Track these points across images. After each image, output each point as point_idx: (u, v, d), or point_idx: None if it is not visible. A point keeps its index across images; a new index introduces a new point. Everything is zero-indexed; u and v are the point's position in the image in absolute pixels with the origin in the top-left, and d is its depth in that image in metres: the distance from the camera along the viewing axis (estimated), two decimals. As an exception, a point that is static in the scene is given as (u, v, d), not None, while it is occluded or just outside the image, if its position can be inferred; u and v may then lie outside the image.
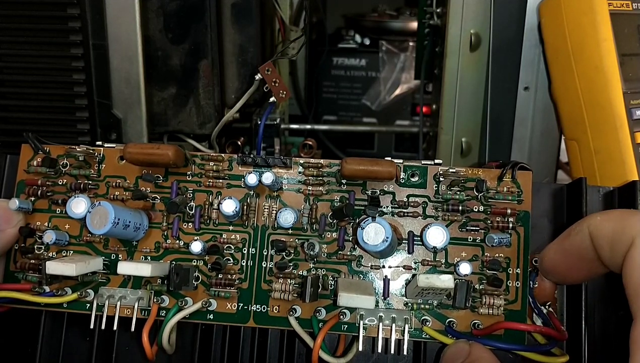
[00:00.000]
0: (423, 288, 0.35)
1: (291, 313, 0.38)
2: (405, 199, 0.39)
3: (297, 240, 0.39)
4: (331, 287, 0.39)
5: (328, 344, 0.40)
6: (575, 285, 0.38)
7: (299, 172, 0.40)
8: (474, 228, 0.39)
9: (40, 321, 0.42)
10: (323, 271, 0.39)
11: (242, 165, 0.41)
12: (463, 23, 0.56)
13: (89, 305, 0.39)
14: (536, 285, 0.39)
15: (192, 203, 0.40)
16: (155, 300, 0.39)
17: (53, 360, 0.43)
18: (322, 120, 0.96)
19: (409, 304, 0.38)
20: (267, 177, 0.38)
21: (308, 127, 0.82)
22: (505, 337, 0.38)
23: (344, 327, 0.38)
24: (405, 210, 0.39)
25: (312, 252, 0.38)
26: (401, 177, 0.40)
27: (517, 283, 0.38)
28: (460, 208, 0.39)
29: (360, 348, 0.38)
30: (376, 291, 0.39)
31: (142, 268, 0.37)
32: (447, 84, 0.58)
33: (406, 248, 0.39)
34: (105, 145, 0.41)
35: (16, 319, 0.42)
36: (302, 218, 0.40)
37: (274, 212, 0.40)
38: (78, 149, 0.41)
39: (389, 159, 0.38)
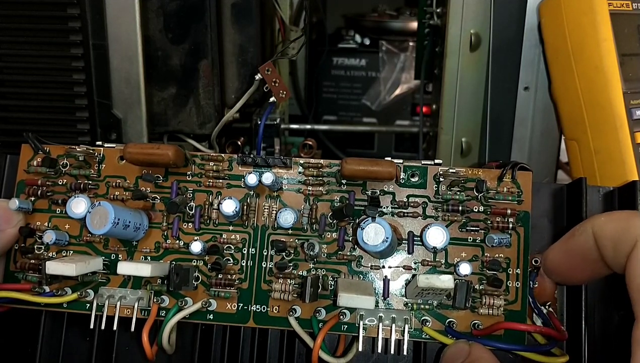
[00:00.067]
0: (423, 289, 0.35)
1: (291, 313, 0.38)
2: (405, 199, 0.39)
3: (297, 240, 0.39)
4: (331, 287, 0.39)
5: (328, 344, 0.40)
6: (575, 286, 0.38)
7: (299, 172, 0.40)
8: (474, 228, 0.39)
9: (40, 321, 0.42)
10: (323, 271, 0.39)
11: (242, 165, 0.41)
12: (463, 23, 0.56)
13: (89, 305, 0.39)
14: (536, 286, 0.39)
15: (192, 203, 0.40)
16: (155, 300, 0.39)
17: (53, 360, 0.43)
18: (322, 120, 0.96)
19: (409, 304, 0.38)
20: (267, 177, 0.38)
21: (308, 127, 0.82)
22: (505, 337, 0.38)
23: (343, 327, 0.38)
24: (405, 211, 0.39)
25: (312, 252, 0.38)
26: (401, 177, 0.40)
27: (517, 284, 0.38)
28: (460, 208, 0.39)
29: (360, 349, 0.38)
30: (376, 291, 0.39)
31: (142, 269, 0.37)
32: (447, 84, 0.58)
33: (406, 249, 0.39)
34: (105, 145, 0.41)
35: (16, 319, 0.42)
36: (302, 219, 0.40)
37: (274, 212, 0.40)
38: (78, 149, 0.41)
39: (389, 159, 0.38)
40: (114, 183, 0.41)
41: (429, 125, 0.73)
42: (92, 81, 0.52)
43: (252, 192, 0.40)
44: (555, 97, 0.54)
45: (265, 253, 0.40)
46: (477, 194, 0.39)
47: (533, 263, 0.39)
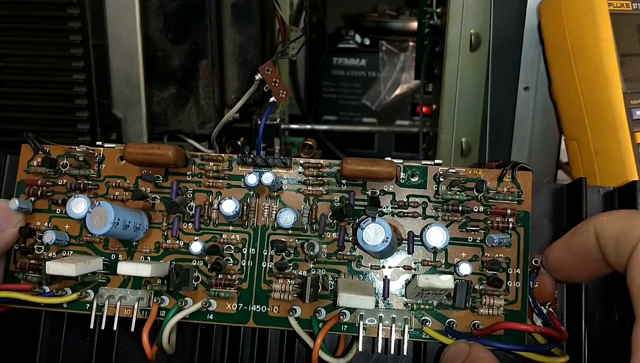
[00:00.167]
0: (423, 289, 0.35)
1: (291, 313, 0.38)
2: (405, 199, 0.39)
3: (297, 240, 0.39)
4: (331, 287, 0.39)
5: (328, 344, 0.40)
6: (575, 285, 0.38)
7: (299, 172, 0.40)
8: (474, 228, 0.39)
9: (40, 321, 0.42)
10: (323, 271, 0.39)
11: (242, 165, 0.41)
12: (463, 23, 0.56)
13: (89, 305, 0.39)
14: (536, 285, 0.39)
15: (192, 203, 0.40)
16: (155, 300, 0.39)
17: (53, 360, 0.43)
18: (322, 120, 0.96)
19: (409, 304, 0.38)
20: (267, 177, 0.38)
21: (308, 127, 0.82)
22: (505, 337, 0.38)
23: (343, 327, 0.38)
24: (405, 211, 0.39)
25: (312, 252, 0.38)
26: (401, 177, 0.40)
27: (517, 284, 0.38)
28: (460, 208, 0.39)
29: (360, 349, 0.38)
30: (376, 291, 0.39)
31: (142, 269, 0.37)
32: (447, 84, 0.58)
33: (406, 249, 0.39)
34: (105, 145, 0.41)
35: (16, 319, 0.42)
36: (302, 219, 0.40)
37: (274, 212, 0.40)
38: (78, 149, 0.41)
39: (389, 159, 0.38)
40: (114, 184, 0.41)
41: (429, 125, 0.73)
42: (92, 81, 0.52)
43: (252, 192, 0.40)
44: (555, 97, 0.54)
45: (265, 254, 0.40)
46: (477, 194, 0.39)
47: (533, 263, 0.39)
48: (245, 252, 0.40)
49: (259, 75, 0.54)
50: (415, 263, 0.39)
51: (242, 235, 0.40)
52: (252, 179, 0.38)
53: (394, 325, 0.38)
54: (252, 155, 0.40)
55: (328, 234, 0.39)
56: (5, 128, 0.54)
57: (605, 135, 0.48)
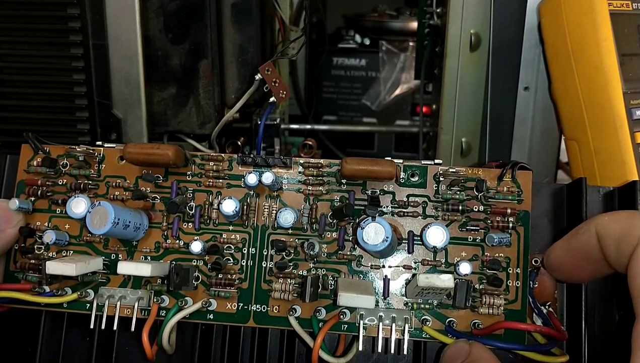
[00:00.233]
0: (423, 288, 0.35)
1: (291, 313, 0.38)
2: (405, 199, 0.39)
3: (297, 240, 0.39)
4: (331, 286, 0.39)
5: (328, 344, 0.40)
6: (576, 285, 0.38)
7: (299, 172, 0.40)
8: (474, 228, 0.39)
9: (40, 321, 0.42)
10: (323, 271, 0.39)
11: (242, 165, 0.41)
12: (463, 23, 0.56)
13: (89, 305, 0.39)
14: (536, 285, 0.39)
15: (192, 203, 0.40)
16: (155, 300, 0.39)
17: (53, 360, 0.43)
18: (322, 120, 0.96)
19: (409, 304, 0.38)
20: (267, 177, 0.38)
21: (308, 127, 0.82)
22: (506, 336, 0.38)
23: (344, 327, 0.38)
24: (405, 210, 0.39)
25: (312, 252, 0.38)
26: (401, 176, 0.40)
27: (517, 283, 0.38)
28: (460, 208, 0.39)
29: (360, 348, 0.38)
30: (376, 291, 0.39)
31: (142, 268, 0.37)
32: (447, 84, 0.58)
33: (406, 248, 0.39)
34: (105, 145, 0.41)
35: (16, 319, 0.42)
36: (302, 218, 0.40)
37: (274, 212, 0.40)
38: (78, 149, 0.41)
39: (389, 158, 0.38)
40: (114, 183, 0.41)
41: (429, 125, 0.73)
42: (92, 81, 0.52)
43: (252, 192, 0.40)
44: (555, 97, 0.54)
45: (265, 253, 0.40)
46: (477, 194, 0.39)
47: (533, 263, 0.39)
48: (245, 252, 0.40)
49: (259, 75, 0.54)
50: (415, 262, 0.39)
51: (242, 234, 0.40)
52: (252, 179, 0.38)
53: (394, 325, 0.38)
54: (252, 155, 0.40)
55: (328, 234, 0.39)
56: (5, 128, 0.54)
57: (605, 135, 0.48)
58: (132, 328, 0.38)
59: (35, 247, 0.40)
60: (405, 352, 0.38)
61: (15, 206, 0.39)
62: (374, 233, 0.35)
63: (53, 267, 0.36)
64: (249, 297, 0.39)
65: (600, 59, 0.47)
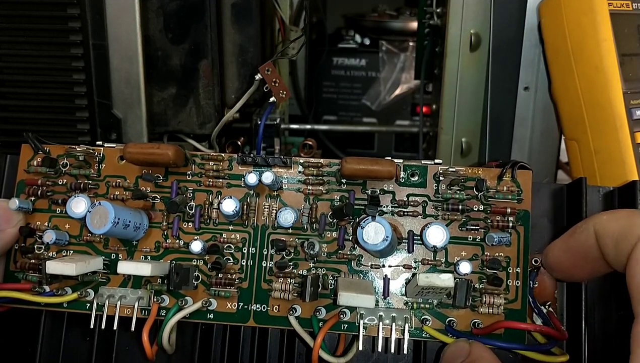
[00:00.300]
0: (423, 288, 0.35)
1: (291, 312, 0.38)
2: (405, 198, 0.39)
3: (297, 239, 0.39)
4: (331, 286, 0.39)
5: (328, 344, 0.40)
6: (575, 285, 0.38)
7: (299, 172, 0.40)
8: (474, 227, 0.39)
9: (40, 321, 0.42)
10: (323, 270, 0.39)
11: (242, 164, 0.41)
12: (463, 23, 0.56)
13: (89, 304, 0.39)
14: (536, 285, 0.39)
15: (192, 203, 0.40)
16: (155, 299, 0.39)
17: (53, 360, 0.43)
18: (322, 120, 0.96)
19: (409, 303, 0.38)
20: (267, 177, 0.38)
21: (308, 127, 0.82)
22: (506, 336, 0.38)
23: (344, 327, 0.38)
24: (405, 210, 0.39)
25: (312, 252, 0.38)
26: (401, 176, 0.40)
27: (517, 283, 0.38)
28: (460, 207, 0.39)
29: (360, 348, 0.38)
30: (376, 290, 0.39)
31: (142, 268, 0.37)
32: (447, 84, 0.58)
33: (406, 248, 0.39)
34: (105, 145, 0.41)
35: (16, 319, 0.42)
36: (302, 218, 0.40)
37: (274, 211, 0.40)
38: (78, 149, 0.41)
39: (389, 158, 0.38)
40: (114, 183, 0.41)
41: (429, 125, 0.73)
42: (92, 81, 0.52)
43: (252, 192, 0.40)
44: (555, 97, 0.54)
45: (265, 253, 0.40)
46: (477, 193, 0.39)
47: (533, 263, 0.39)
48: (245, 252, 0.40)
49: (259, 75, 0.54)
50: (415, 262, 0.39)
51: (242, 234, 0.40)
52: (252, 179, 0.38)
53: (394, 324, 0.38)
54: (252, 155, 0.40)
55: (328, 233, 0.39)
56: (5, 128, 0.54)
57: (605, 135, 0.48)
58: (132, 328, 0.38)
59: (35, 246, 0.40)
60: (405, 352, 0.38)
61: (15, 206, 0.39)
62: (374, 232, 0.35)
63: (53, 267, 0.36)
64: (249, 297, 0.39)
65: (600, 59, 0.47)
